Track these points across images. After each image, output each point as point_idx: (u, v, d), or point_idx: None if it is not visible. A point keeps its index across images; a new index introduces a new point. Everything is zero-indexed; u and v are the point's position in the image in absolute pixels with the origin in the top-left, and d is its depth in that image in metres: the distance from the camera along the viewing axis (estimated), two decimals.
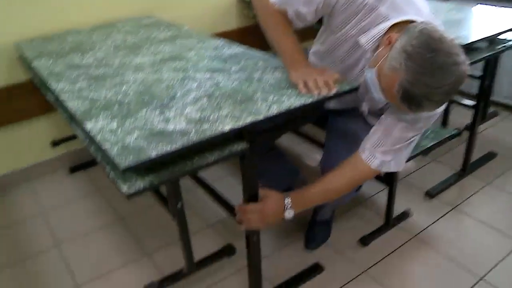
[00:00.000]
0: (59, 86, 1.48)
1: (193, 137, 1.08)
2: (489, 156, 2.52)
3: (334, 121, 1.70)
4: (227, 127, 1.12)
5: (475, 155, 2.41)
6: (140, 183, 1.05)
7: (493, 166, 2.44)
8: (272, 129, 1.34)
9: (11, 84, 2.24)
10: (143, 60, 1.68)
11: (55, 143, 2.50)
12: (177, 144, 1.06)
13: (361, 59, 1.40)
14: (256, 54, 1.68)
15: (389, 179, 1.90)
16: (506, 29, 1.95)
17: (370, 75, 1.26)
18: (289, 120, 1.43)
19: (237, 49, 1.76)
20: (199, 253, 1.79)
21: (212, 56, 1.68)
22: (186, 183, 2.23)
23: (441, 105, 1.17)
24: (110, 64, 1.67)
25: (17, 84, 2.25)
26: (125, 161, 1.00)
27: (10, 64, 2.20)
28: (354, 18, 1.32)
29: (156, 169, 1.09)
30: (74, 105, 1.32)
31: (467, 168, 2.34)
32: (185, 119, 1.17)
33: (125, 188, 1.04)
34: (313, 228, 1.96)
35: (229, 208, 1.83)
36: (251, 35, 2.79)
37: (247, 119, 1.15)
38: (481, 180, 2.32)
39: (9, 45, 2.16)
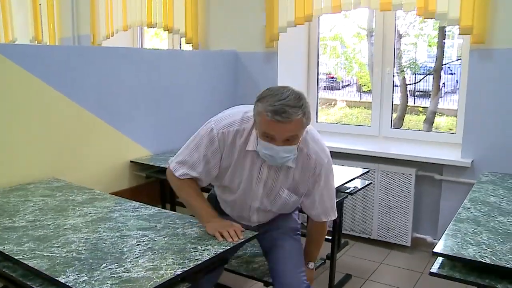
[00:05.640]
0: (6, 248, 1.71)
1: (157, 281, 1.47)
2: (347, 278, 3.16)
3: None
4: (178, 271, 1.53)
5: (337, 279, 3.01)
6: None
7: (351, 285, 3.08)
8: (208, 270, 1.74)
9: None
10: (75, 221, 2.00)
11: None
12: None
13: None
14: (170, 213, 2.12)
15: None
16: (346, 181, 2.76)
17: None
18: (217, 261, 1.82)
19: (152, 209, 2.16)
20: None
21: (135, 216, 2.07)
22: None
23: None
24: (45, 225, 1.95)
25: None
26: None
27: None
28: None
29: None
30: (34, 263, 1.60)
31: None
32: (142, 268, 1.55)
33: None
34: None
35: None
36: (142, 193, 3.24)
37: (190, 264, 1.58)
38: None
39: None
